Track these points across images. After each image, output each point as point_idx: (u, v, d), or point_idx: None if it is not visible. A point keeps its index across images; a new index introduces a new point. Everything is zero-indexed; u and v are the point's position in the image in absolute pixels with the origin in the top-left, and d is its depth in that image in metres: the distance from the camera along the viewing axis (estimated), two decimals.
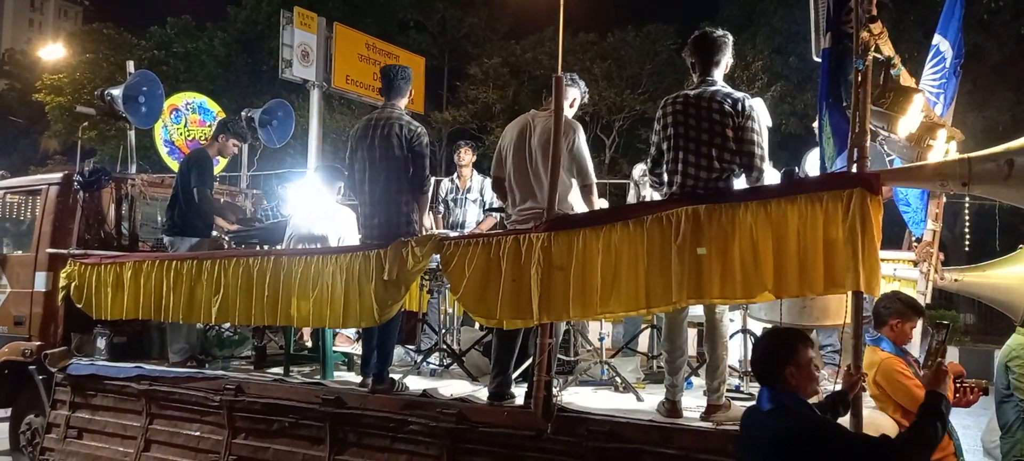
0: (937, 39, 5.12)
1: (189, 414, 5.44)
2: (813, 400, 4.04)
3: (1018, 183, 3.18)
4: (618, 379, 4.93)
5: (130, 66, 7.93)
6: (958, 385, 3.93)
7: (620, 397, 4.71)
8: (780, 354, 2.84)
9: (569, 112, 4.71)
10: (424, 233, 4.86)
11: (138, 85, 7.55)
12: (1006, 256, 4.84)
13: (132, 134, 7.64)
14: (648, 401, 4.47)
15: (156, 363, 5.93)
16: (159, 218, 6.94)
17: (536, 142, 4.58)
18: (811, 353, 2.85)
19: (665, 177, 4.16)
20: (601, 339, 5.33)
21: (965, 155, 3.49)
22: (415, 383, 4.98)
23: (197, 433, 5.36)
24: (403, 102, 5.04)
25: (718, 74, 4.12)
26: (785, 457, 2.70)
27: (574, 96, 4.81)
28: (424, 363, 5.61)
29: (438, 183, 7.39)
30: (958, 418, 4.08)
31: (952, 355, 9.65)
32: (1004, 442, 4.40)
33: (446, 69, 27.39)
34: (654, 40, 23.76)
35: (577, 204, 4.57)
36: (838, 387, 3.29)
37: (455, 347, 5.82)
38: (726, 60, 4.17)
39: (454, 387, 4.88)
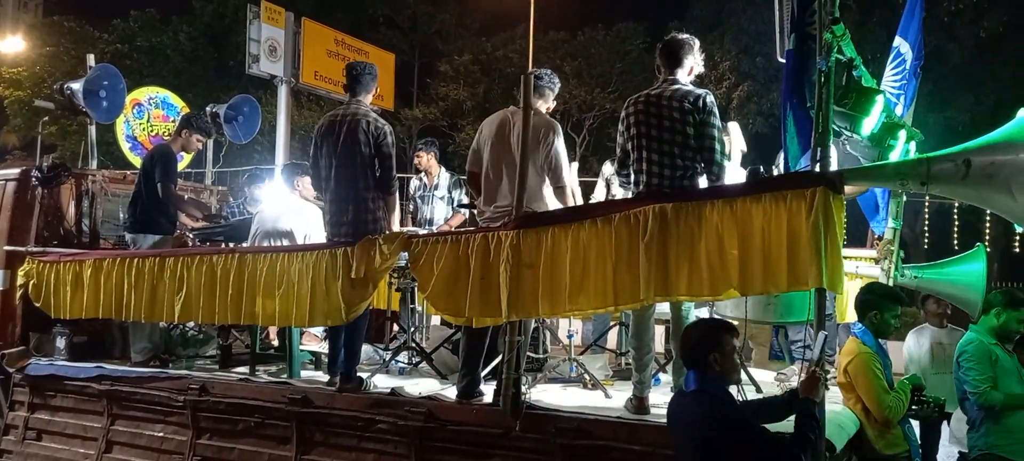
0: (898, 41, 5.23)
1: (152, 415, 5.35)
2: (776, 393, 4.13)
3: (975, 182, 3.26)
4: (586, 376, 4.95)
5: (90, 60, 7.75)
6: (915, 399, 4.03)
7: (588, 394, 4.73)
8: (706, 341, 3.09)
9: (541, 109, 4.72)
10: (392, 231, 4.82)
11: (99, 79, 7.39)
12: (964, 254, 4.95)
13: (93, 129, 7.48)
14: (616, 398, 4.50)
15: (118, 363, 5.81)
16: (121, 215, 6.79)
17: (516, 140, 4.55)
18: (735, 343, 3.14)
19: (631, 176, 4.20)
20: (569, 336, 5.35)
21: (924, 155, 3.56)
22: (384, 382, 4.95)
23: (160, 434, 5.27)
24: (368, 99, 4.99)
25: (681, 75, 4.17)
26: (701, 435, 2.99)
27: (545, 92, 4.81)
28: (393, 362, 5.58)
29: (407, 181, 7.35)
30: None
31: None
32: (971, 437, 4.50)
33: (416, 66, 27.25)
34: (624, 39, 23.87)
35: (551, 203, 4.58)
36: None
37: (424, 345, 5.80)
38: (690, 62, 4.22)
39: (423, 385, 4.86)
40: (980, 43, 15.47)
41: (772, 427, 3.22)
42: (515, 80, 4.89)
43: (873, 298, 4.14)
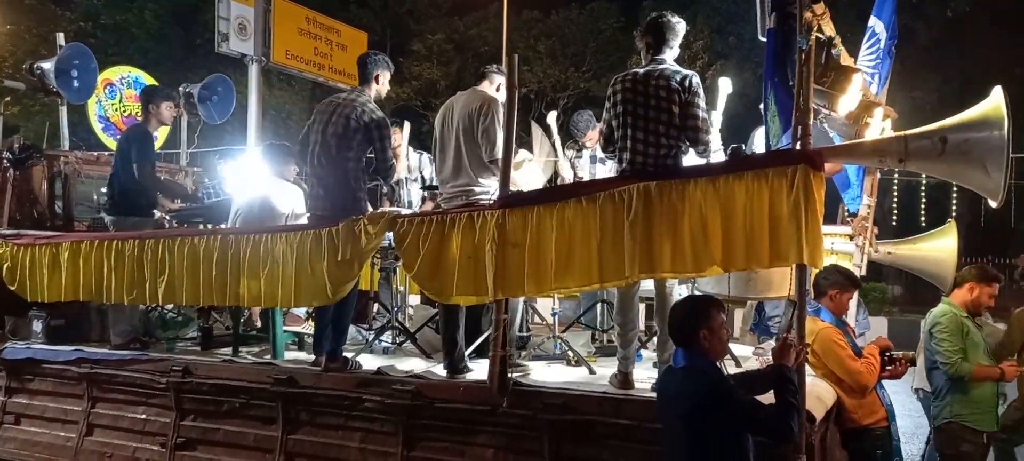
0: (872, 21, 5.31)
1: (134, 397, 5.31)
2: (756, 367, 4.23)
3: (951, 159, 3.35)
4: (570, 353, 5.02)
5: (60, 38, 7.59)
6: (887, 358, 4.15)
7: (573, 371, 4.80)
8: (695, 319, 3.14)
9: (497, 96, 4.84)
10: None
11: (70, 58, 7.25)
12: (935, 230, 5.09)
13: (64, 110, 7.33)
14: (600, 374, 4.57)
15: (97, 346, 5.75)
16: (95, 197, 6.69)
17: (456, 120, 4.76)
18: (722, 318, 3.18)
19: (616, 153, 4.25)
20: (554, 314, 5.41)
21: (902, 133, 3.65)
22: (368, 362, 4.97)
23: (143, 416, 5.24)
24: (371, 89, 4.98)
25: (667, 55, 4.22)
26: (692, 411, 3.05)
27: (499, 81, 4.96)
28: (377, 341, 5.60)
29: None
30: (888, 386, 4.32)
31: (881, 325, 10.12)
32: (936, 406, 4.66)
33: (388, 45, 26.96)
34: (597, 18, 23.85)
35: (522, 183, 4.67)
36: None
37: (408, 325, 5.82)
38: (676, 43, 4.27)
39: (408, 364, 4.90)
40: (948, 23, 15.76)
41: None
42: (487, 59, 4.96)
43: (832, 279, 4.26)
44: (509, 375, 4.15)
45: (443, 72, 24.16)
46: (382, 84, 5.01)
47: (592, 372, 4.68)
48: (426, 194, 6.47)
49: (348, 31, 13.02)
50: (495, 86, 4.95)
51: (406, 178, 6.59)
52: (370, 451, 4.44)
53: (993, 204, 3.37)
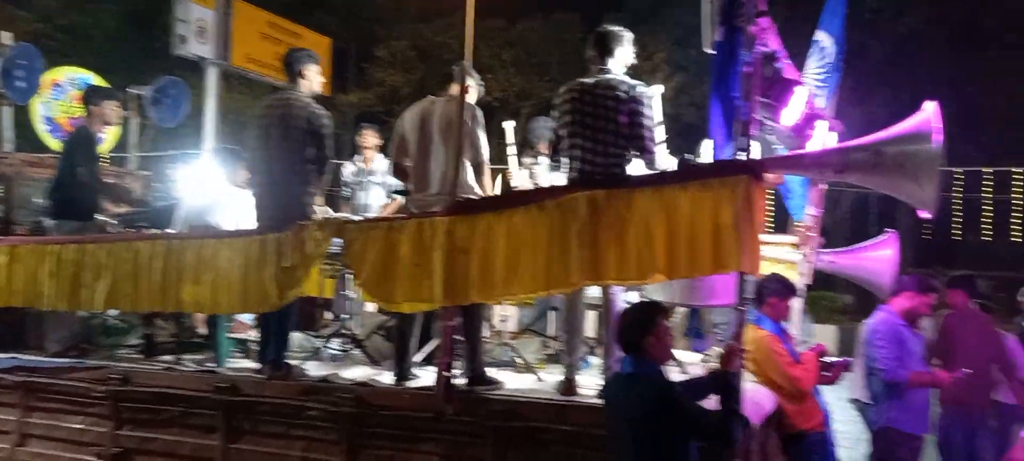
0: (819, 35, 5.42)
1: (71, 406, 5.15)
2: (699, 374, 4.28)
3: (885, 171, 3.43)
4: (519, 360, 5.02)
5: (5, 37, 7.39)
6: (823, 364, 4.23)
7: (521, 377, 4.80)
8: (641, 325, 3.19)
9: (467, 99, 4.75)
10: (320, 216, 4.77)
11: (17, 58, 7.07)
12: (875, 240, 5.20)
13: (7, 111, 7.13)
14: (548, 381, 4.57)
15: (34, 353, 5.57)
16: (39, 200, 6.51)
17: (436, 127, 4.63)
18: (668, 324, 3.24)
19: (565, 162, 4.27)
20: (503, 321, 5.41)
21: (840, 145, 3.73)
22: (316, 370, 4.90)
23: (79, 425, 5.09)
24: (306, 84, 4.91)
25: (612, 64, 4.26)
26: (641, 417, 3.08)
27: (469, 84, 4.86)
28: (325, 349, 5.53)
29: (341, 166, 7.24)
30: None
31: (829, 333, 10.35)
32: (872, 412, 4.75)
33: (353, 51, 26.79)
34: (562, 28, 23.99)
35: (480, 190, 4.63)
36: None
37: (358, 333, 5.76)
38: (622, 52, 4.30)
39: (356, 372, 4.84)
40: (900, 40, 16.15)
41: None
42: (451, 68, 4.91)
43: (771, 287, 4.33)
44: (454, 382, 4.13)
45: (407, 79, 24.05)
46: (310, 78, 4.90)
47: (540, 380, 4.67)
48: (394, 198, 6.43)
49: (311, 36, 12.84)
50: (464, 88, 4.86)
51: (366, 181, 6.52)
52: (312, 460, 4.37)
53: (926, 215, 3.45)
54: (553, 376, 4.59)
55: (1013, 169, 14.50)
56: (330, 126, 4.84)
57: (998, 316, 6.14)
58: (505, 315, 5.51)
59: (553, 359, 5.36)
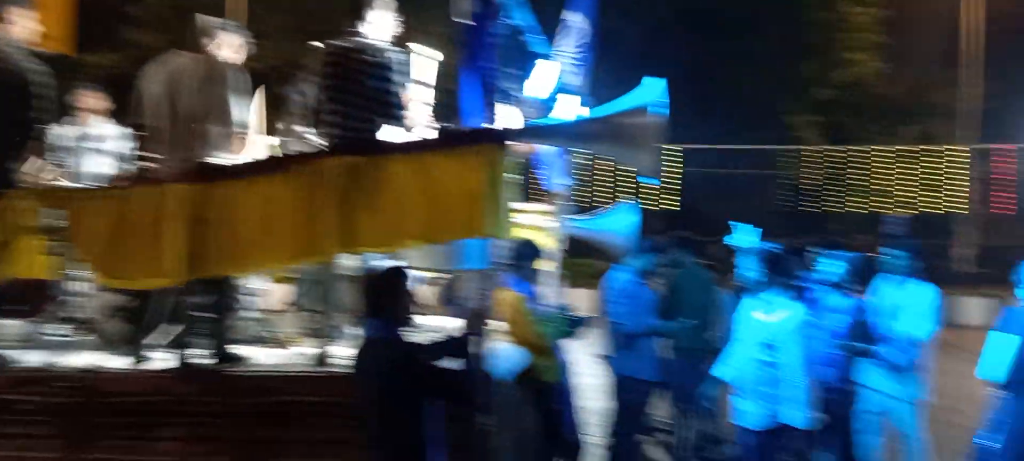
0: (568, 14, 5.70)
1: None
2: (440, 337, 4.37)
3: (614, 141, 3.73)
4: (274, 335, 4.85)
5: None
6: (569, 320, 4.60)
7: (276, 353, 4.62)
8: (382, 290, 3.26)
9: (234, 58, 4.43)
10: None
11: None
12: (615, 208, 5.68)
13: None
14: (304, 354, 4.45)
15: None
16: None
17: (183, 87, 4.23)
18: (407, 287, 3.34)
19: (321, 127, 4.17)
20: (261, 296, 5.18)
21: (579, 119, 4.00)
22: (36, 357, 4.35)
23: None
24: (10, 30, 4.24)
25: (367, 29, 4.19)
26: (384, 380, 3.13)
27: (228, 41, 4.49)
28: (39, 334, 4.92)
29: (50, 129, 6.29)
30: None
31: (584, 296, 10.93)
32: (614, 362, 5.22)
33: (102, 8, 23.99)
34: None
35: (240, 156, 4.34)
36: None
37: (89, 314, 5.18)
38: (377, 17, 4.24)
39: (82, 359, 4.36)
40: (654, 27, 17.72)
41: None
42: (202, 26, 4.52)
43: (521, 251, 4.61)
44: (196, 361, 3.88)
45: (163, 39, 22.01)
46: (16, 23, 4.23)
47: (297, 354, 4.53)
48: (124, 168, 5.77)
49: None
50: (221, 46, 4.42)
51: (79, 146, 5.76)
52: (29, 459, 3.88)
53: (653, 181, 3.82)
54: (311, 350, 4.47)
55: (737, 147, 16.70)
56: (48, 84, 4.25)
57: (723, 276, 6.91)
58: (265, 290, 5.26)
59: (311, 333, 5.22)
